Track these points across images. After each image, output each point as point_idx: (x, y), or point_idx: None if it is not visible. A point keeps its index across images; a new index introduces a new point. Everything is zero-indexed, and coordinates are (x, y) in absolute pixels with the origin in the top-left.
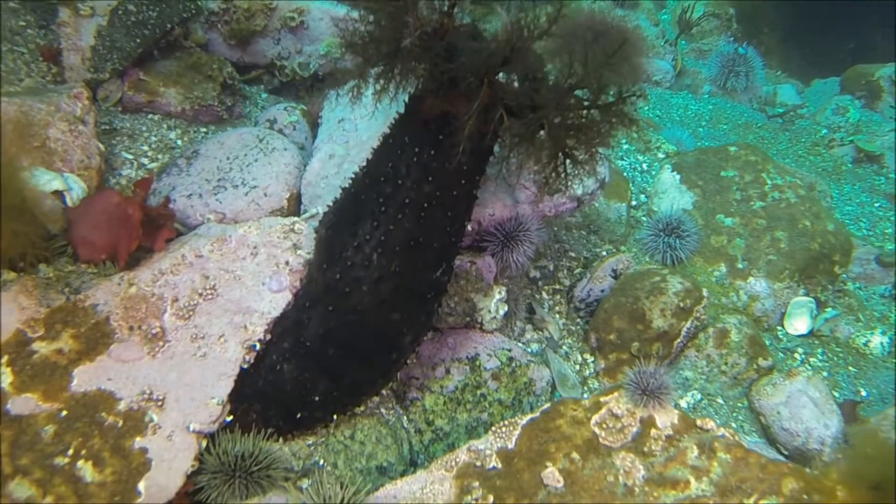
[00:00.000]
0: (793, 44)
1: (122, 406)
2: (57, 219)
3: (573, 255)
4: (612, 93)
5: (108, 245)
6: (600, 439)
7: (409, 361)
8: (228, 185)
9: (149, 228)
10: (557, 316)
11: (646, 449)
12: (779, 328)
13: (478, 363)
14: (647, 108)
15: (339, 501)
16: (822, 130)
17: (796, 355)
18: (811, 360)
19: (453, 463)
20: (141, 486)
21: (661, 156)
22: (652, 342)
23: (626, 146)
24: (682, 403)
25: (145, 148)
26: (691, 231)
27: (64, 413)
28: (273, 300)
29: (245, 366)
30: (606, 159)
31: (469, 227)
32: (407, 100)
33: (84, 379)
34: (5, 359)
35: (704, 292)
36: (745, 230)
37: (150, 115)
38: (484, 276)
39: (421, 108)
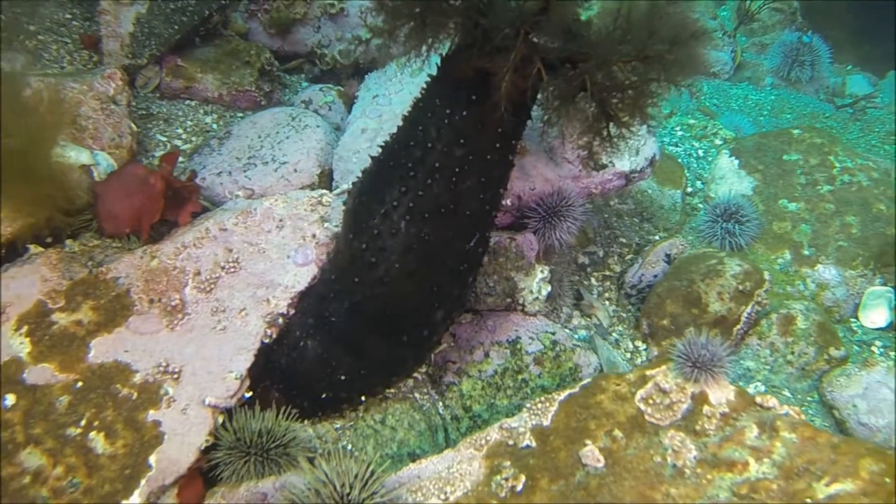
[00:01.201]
0: (864, 38)
1: (137, 378)
2: (83, 192)
3: (624, 241)
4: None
5: (131, 218)
6: (646, 416)
7: (444, 343)
8: (258, 161)
9: (174, 202)
10: (607, 302)
11: (698, 427)
12: (853, 320)
13: (519, 346)
14: (704, 97)
15: (356, 476)
16: None
17: (874, 349)
18: (891, 353)
19: (483, 441)
20: (152, 459)
21: (718, 142)
22: (709, 328)
23: (680, 133)
24: None
25: (180, 131)
26: (751, 216)
27: (79, 384)
28: (298, 274)
29: (267, 340)
30: (654, 130)
31: (508, 202)
32: (439, 61)
33: (101, 350)
34: (25, 329)
35: (766, 275)
36: (811, 215)
37: (187, 101)
38: (525, 254)
39: (454, 68)
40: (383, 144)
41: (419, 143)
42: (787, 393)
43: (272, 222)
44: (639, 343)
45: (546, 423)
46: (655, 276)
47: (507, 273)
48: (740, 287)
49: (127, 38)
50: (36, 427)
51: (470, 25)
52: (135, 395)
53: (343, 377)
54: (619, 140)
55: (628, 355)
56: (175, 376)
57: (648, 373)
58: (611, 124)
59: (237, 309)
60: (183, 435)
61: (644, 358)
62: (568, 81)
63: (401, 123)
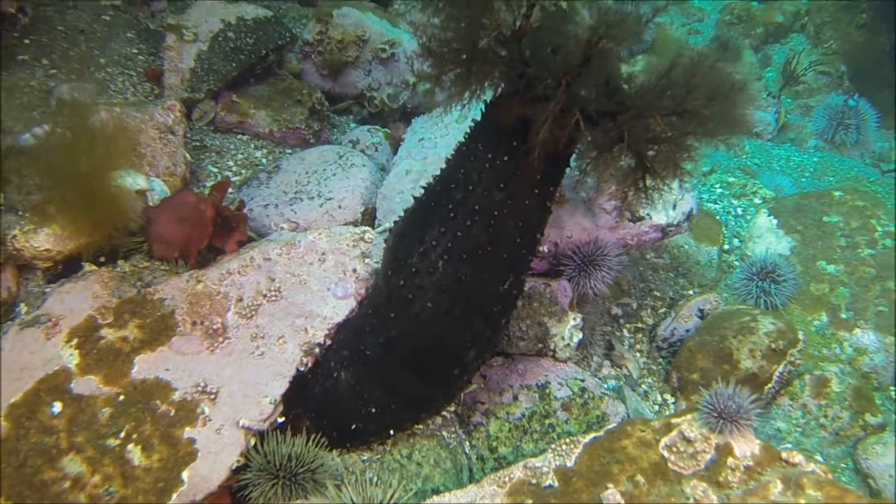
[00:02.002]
0: None
1: (176, 396)
2: (138, 216)
3: (658, 294)
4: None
5: (181, 242)
6: (669, 464)
7: (474, 384)
8: (305, 196)
9: (222, 230)
10: (638, 354)
11: (721, 479)
12: (892, 388)
13: (548, 391)
14: (745, 156)
15: (380, 503)
16: None
17: None
18: None
19: (507, 479)
20: (185, 474)
21: (757, 201)
22: (739, 384)
23: (720, 190)
24: None
25: (231, 164)
26: (788, 276)
27: (121, 397)
28: (337, 306)
29: (302, 369)
30: (692, 185)
31: (545, 249)
32: (483, 108)
33: (144, 367)
34: (75, 341)
35: (800, 335)
36: (850, 279)
37: (239, 135)
38: (559, 300)
39: (497, 114)
40: (426, 186)
41: (460, 186)
42: (819, 458)
43: (315, 255)
44: (668, 396)
45: (570, 464)
46: (687, 331)
47: (540, 318)
48: (773, 345)
49: (187, 73)
50: (79, 435)
51: (514, 75)
52: (173, 412)
53: (373, 410)
54: (654, 192)
55: (657, 408)
56: (212, 397)
57: (674, 421)
58: (647, 176)
59: (276, 336)
60: (216, 454)
61: (672, 411)
62: (605, 132)
63: (444, 165)
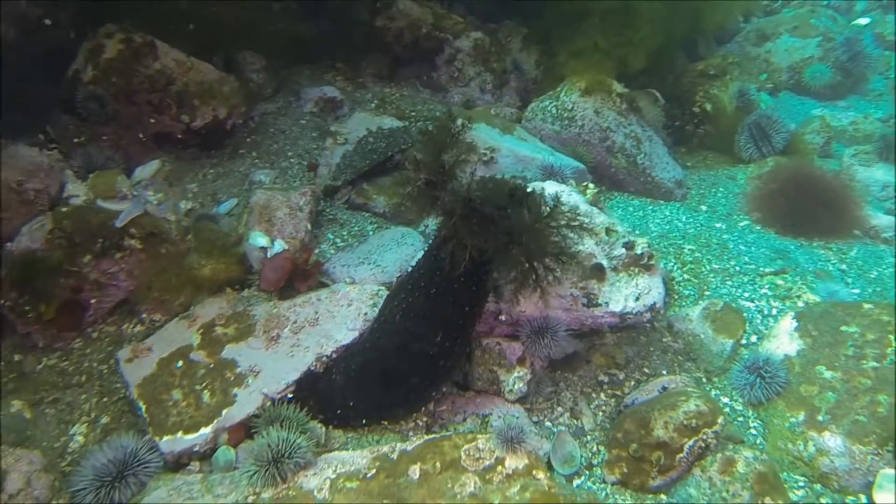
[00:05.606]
0: None
1: (238, 370)
2: (259, 263)
3: (647, 371)
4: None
5: (274, 282)
6: (461, 461)
7: (445, 405)
8: (367, 262)
9: (302, 277)
10: (601, 414)
11: (488, 477)
12: (862, 495)
13: (487, 420)
14: (835, 260)
15: (291, 444)
16: None
17: None
18: None
19: (376, 450)
20: (224, 412)
21: (800, 304)
22: (652, 449)
23: (764, 290)
24: None
25: (345, 234)
26: (777, 375)
27: (212, 366)
28: (347, 335)
29: (314, 368)
30: (661, 285)
31: (504, 318)
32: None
33: (228, 352)
34: (201, 331)
35: (720, 419)
36: (842, 386)
37: (363, 213)
38: (507, 356)
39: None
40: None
41: (418, 270)
42: None
43: (346, 301)
44: (601, 447)
45: (409, 449)
46: (644, 402)
47: (491, 367)
48: (686, 422)
49: (334, 167)
50: (184, 380)
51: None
52: (232, 378)
53: (352, 403)
54: (544, 287)
55: (590, 454)
56: (255, 374)
57: (477, 436)
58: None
59: (304, 347)
60: (244, 404)
61: (600, 459)
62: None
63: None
